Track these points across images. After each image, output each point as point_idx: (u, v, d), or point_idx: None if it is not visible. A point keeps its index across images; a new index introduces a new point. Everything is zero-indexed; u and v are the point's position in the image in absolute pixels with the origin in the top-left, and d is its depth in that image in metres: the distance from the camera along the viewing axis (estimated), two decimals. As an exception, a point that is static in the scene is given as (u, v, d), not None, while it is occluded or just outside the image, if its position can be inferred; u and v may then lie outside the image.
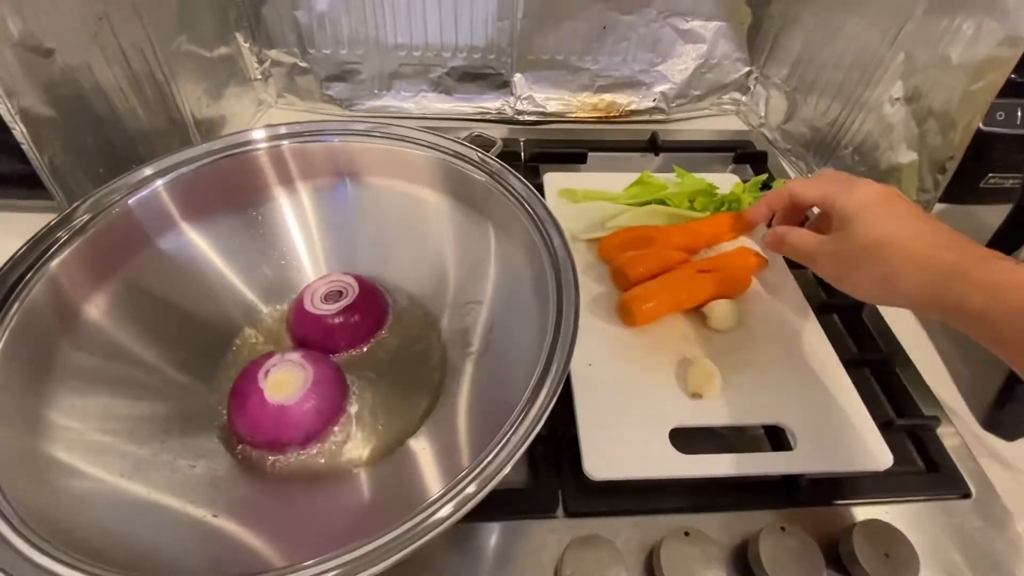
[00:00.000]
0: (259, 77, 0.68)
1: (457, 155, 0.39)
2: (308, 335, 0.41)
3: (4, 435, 0.27)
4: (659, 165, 0.66)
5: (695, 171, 0.56)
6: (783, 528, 0.33)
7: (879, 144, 0.55)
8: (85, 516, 0.27)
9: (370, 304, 0.42)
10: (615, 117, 0.72)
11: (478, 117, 0.71)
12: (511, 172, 0.38)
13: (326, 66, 0.67)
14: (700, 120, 0.74)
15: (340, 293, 0.41)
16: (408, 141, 0.40)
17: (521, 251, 0.36)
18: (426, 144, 0.40)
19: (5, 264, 0.31)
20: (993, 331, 0.28)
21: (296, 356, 0.37)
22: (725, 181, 0.56)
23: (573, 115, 0.71)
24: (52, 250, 0.32)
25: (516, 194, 0.37)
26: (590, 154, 0.63)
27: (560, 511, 0.37)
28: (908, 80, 0.51)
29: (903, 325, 0.49)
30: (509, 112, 0.71)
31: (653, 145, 0.65)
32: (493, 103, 0.71)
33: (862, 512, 0.37)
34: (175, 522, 0.31)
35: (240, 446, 0.36)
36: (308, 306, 0.41)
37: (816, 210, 0.40)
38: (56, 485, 0.28)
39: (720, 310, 0.42)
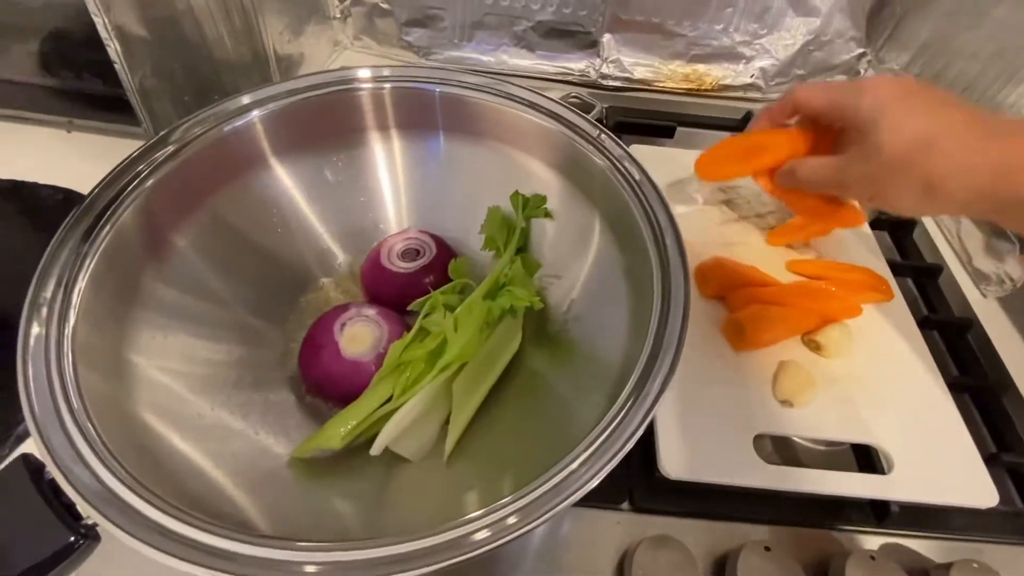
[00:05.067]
0: (338, 16, 0.66)
1: (578, 130, 0.36)
2: (382, 291, 0.39)
3: (93, 366, 0.26)
4: (750, 148, 0.61)
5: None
6: (873, 557, 0.31)
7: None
8: (166, 459, 0.27)
9: (447, 267, 0.40)
10: (705, 90, 0.67)
11: (559, 77, 0.67)
12: (632, 160, 0.34)
13: (408, 9, 0.64)
14: (797, 102, 0.68)
15: (418, 252, 0.40)
16: (524, 104, 0.36)
17: (624, 249, 0.34)
18: (545, 111, 0.36)
19: (99, 183, 0.30)
20: None
21: (372, 312, 0.36)
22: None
23: (660, 84, 0.67)
24: (145, 173, 0.31)
25: (636, 188, 0.33)
26: (678, 129, 0.59)
27: (626, 504, 0.35)
28: (1065, 78, 0.45)
29: (1013, 349, 0.45)
30: (592, 75, 0.67)
31: (747, 126, 0.60)
32: (576, 64, 0.67)
33: (953, 548, 0.34)
34: (245, 473, 0.30)
35: (308, 396, 0.36)
36: (384, 262, 0.39)
37: None
38: (134, 424, 0.28)
39: (836, 340, 0.38)
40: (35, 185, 0.51)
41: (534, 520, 0.23)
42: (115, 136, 0.54)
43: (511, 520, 0.23)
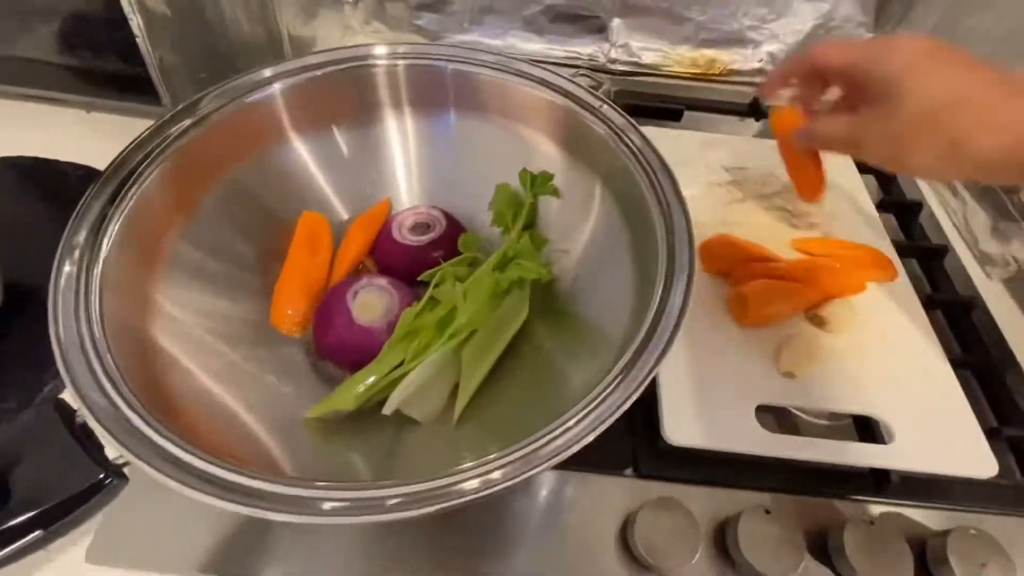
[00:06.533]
0: (350, 0, 0.67)
1: (581, 103, 0.37)
2: (392, 263, 0.40)
3: (120, 313, 0.27)
4: (758, 131, 0.61)
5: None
6: (871, 523, 0.32)
7: None
8: (185, 407, 0.28)
9: (456, 241, 0.41)
10: (713, 75, 0.67)
11: (567, 62, 0.68)
12: (635, 128, 0.35)
13: (419, -8, 0.64)
14: (805, 88, 0.68)
15: (428, 226, 0.41)
16: (532, 80, 0.38)
17: (625, 212, 0.34)
18: (553, 87, 0.37)
19: (126, 148, 0.31)
20: None
21: (383, 281, 0.37)
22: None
23: (668, 69, 0.67)
24: (173, 137, 0.32)
25: (638, 154, 0.34)
26: (685, 112, 0.60)
27: (630, 471, 0.36)
28: (1075, 59, 0.45)
29: (1017, 329, 0.45)
30: (601, 59, 0.67)
31: (755, 110, 0.60)
32: (585, 48, 0.67)
33: (952, 518, 0.35)
34: (264, 420, 0.31)
35: (321, 361, 0.37)
36: (396, 235, 0.40)
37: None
38: (160, 372, 0.29)
39: (840, 315, 0.39)
40: (56, 162, 0.53)
41: (525, 472, 0.24)
42: (134, 116, 0.55)
43: (501, 472, 0.24)
